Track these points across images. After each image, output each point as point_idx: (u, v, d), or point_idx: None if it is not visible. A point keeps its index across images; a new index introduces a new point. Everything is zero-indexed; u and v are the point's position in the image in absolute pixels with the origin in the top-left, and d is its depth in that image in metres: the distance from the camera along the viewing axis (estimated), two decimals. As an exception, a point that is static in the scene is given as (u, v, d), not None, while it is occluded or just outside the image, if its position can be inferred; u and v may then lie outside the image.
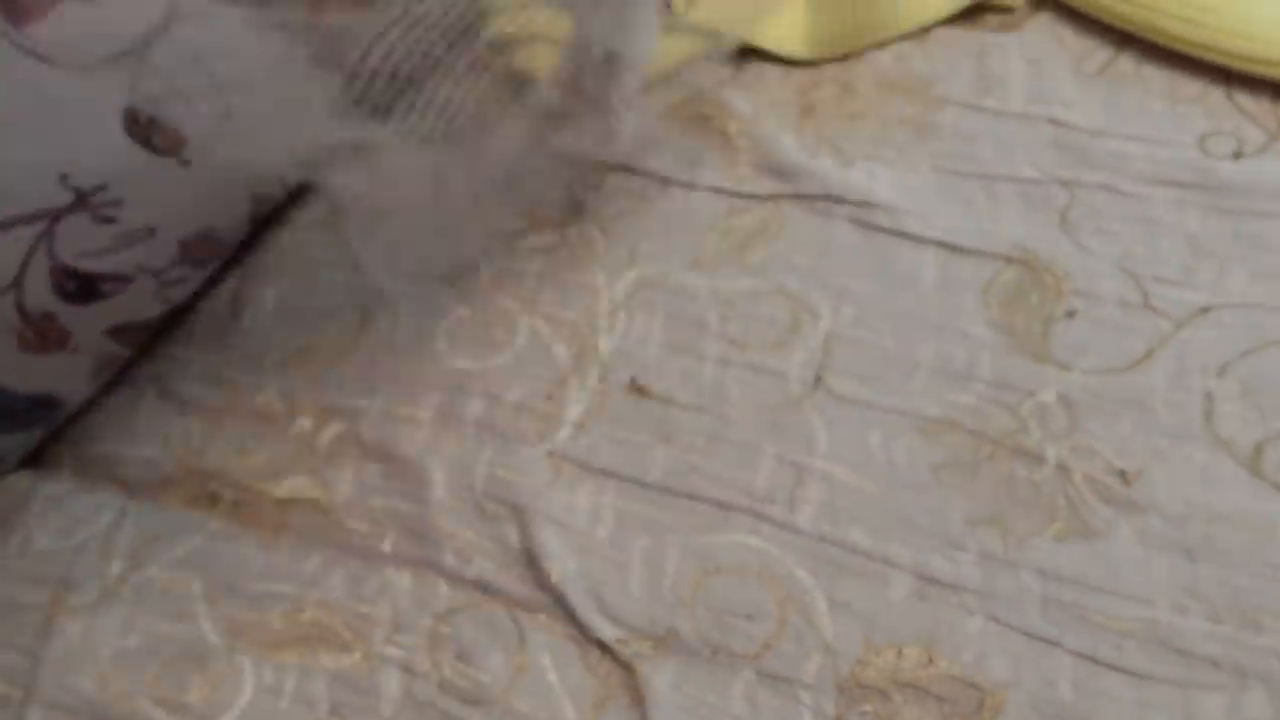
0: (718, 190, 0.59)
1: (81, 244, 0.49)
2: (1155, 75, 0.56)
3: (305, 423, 0.54)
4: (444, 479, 0.51)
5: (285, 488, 0.52)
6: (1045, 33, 0.58)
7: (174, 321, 0.59)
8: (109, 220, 0.49)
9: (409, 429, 0.53)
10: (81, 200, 0.47)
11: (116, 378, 0.58)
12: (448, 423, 0.53)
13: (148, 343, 0.59)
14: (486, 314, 0.56)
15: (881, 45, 0.60)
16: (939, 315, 0.52)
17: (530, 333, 0.55)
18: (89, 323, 0.52)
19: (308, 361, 0.56)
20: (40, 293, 0.49)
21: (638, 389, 0.52)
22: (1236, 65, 0.55)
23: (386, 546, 0.50)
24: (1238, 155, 0.54)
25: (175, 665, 0.48)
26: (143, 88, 0.47)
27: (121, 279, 0.52)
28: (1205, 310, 0.50)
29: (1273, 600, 0.42)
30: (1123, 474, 0.46)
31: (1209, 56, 0.55)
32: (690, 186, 0.59)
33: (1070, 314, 0.51)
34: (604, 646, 0.46)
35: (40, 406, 0.54)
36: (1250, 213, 0.52)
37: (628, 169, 0.60)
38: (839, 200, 0.57)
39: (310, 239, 0.61)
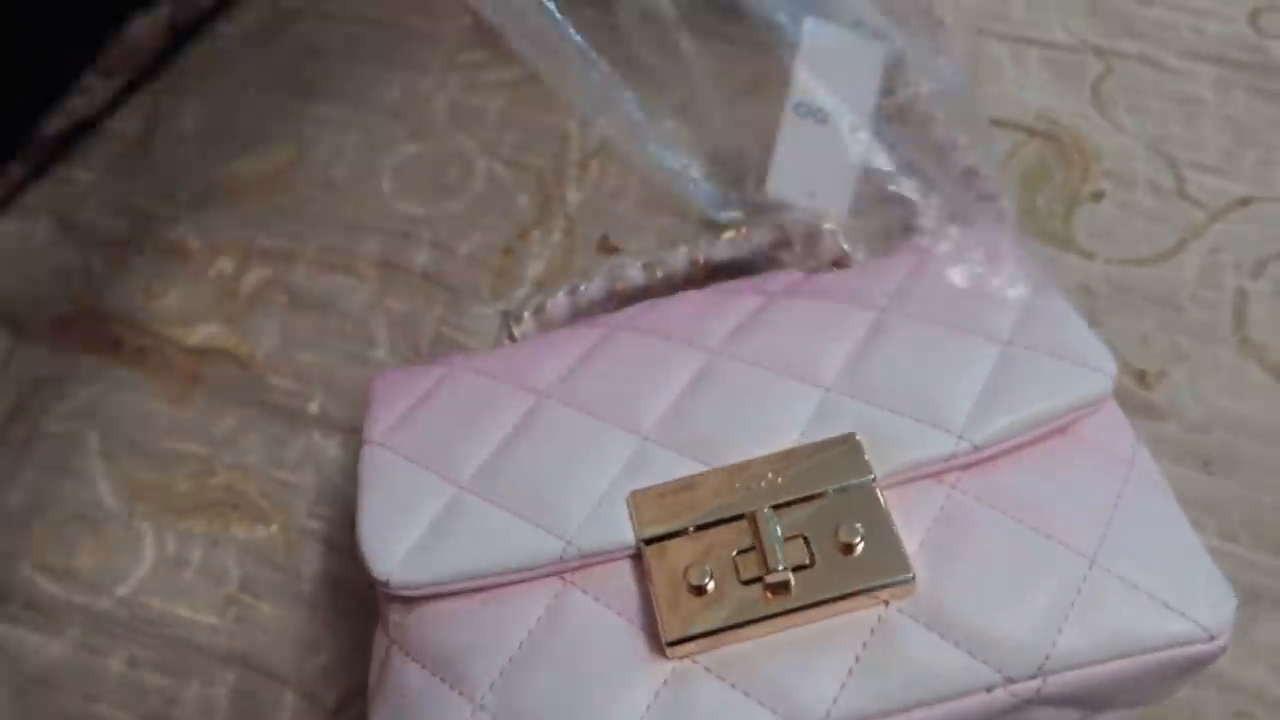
0: (713, 32, 0.51)
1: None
2: (1212, -64, 0.50)
3: (226, 265, 0.47)
4: (385, 336, 0.45)
5: (199, 336, 0.46)
6: (1094, -122, 0.52)
7: (77, 141, 0.51)
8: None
9: (346, 279, 0.46)
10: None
11: (6, 203, 0.50)
12: (391, 273, 0.46)
13: (44, 163, 0.51)
14: (440, 153, 0.49)
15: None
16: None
17: (489, 177, 0.48)
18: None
19: (231, 195, 0.49)
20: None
21: (609, 248, 0.46)
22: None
23: (313, 408, 0.44)
24: (1292, 34, 0.49)
25: (65, 527, 0.42)
26: None
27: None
28: (1245, 202, 0.45)
29: (1295, 520, 0.38)
30: (1142, 375, 0.42)
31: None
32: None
33: (1097, 196, 0.45)
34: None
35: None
36: (1300, 99, 0.47)
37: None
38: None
39: (239, 54, 0.53)
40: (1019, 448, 0.31)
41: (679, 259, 0.40)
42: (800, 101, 0.39)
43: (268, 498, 0.42)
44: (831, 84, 0.39)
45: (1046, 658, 0.27)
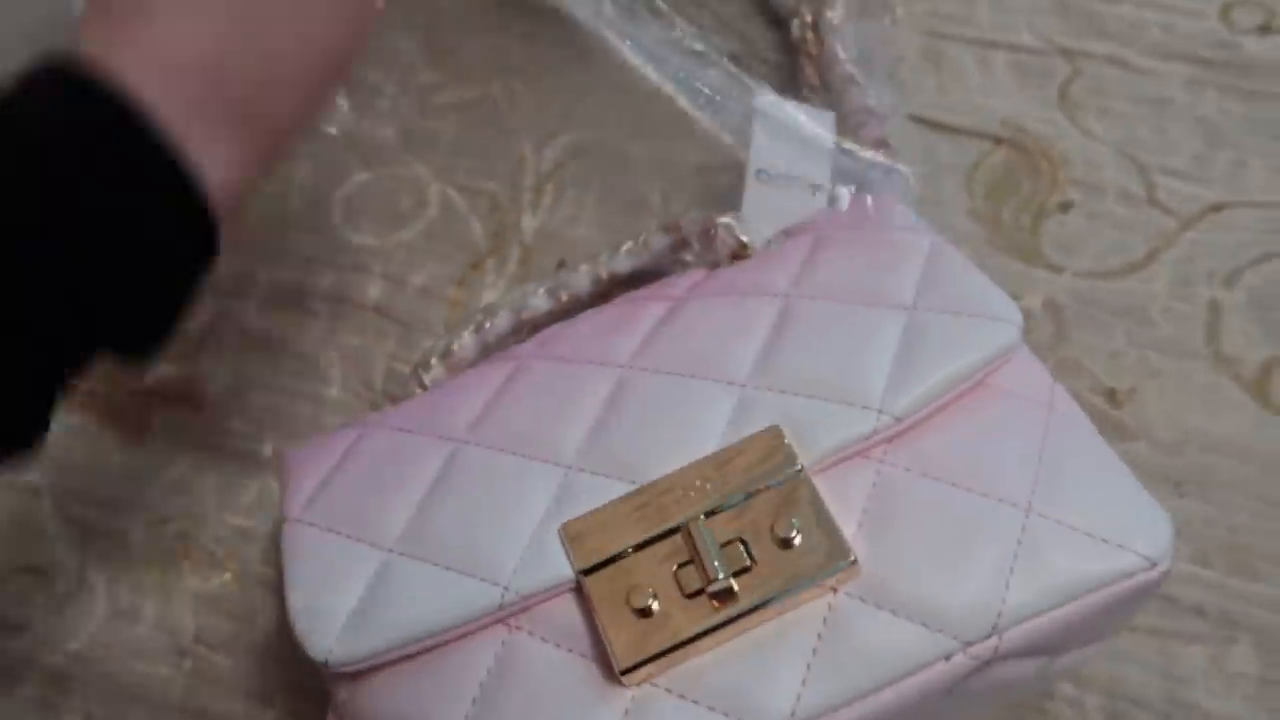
0: (665, 43, 0.50)
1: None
2: (1181, -71, 0.48)
3: (175, 303, 0.46)
4: (338, 374, 0.44)
5: (150, 378, 0.45)
6: (1058, -128, 0.50)
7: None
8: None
9: (298, 315, 0.45)
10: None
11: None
12: (343, 308, 0.45)
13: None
14: (392, 181, 0.48)
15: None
16: (913, 202, 0.45)
17: (442, 204, 0.47)
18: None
19: (180, 230, 0.48)
20: None
21: (564, 276, 0.45)
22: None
23: (266, 450, 0.43)
24: (1265, 29, 0.47)
25: (15, 582, 0.41)
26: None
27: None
28: (1217, 208, 0.43)
29: (1270, 543, 0.37)
30: (1112, 393, 0.40)
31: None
32: (635, 39, 0.51)
33: (1065, 207, 0.44)
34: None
35: None
36: (1274, 96, 0.46)
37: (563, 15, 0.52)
38: (807, 64, 0.49)
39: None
40: (939, 410, 0.30)
41: (581, 278, 0.39)
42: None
43: (221, 544, 0.41)
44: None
45: (999, 615, 0.28)
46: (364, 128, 0.49)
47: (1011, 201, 0.44)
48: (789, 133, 0.40)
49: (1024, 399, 0.32)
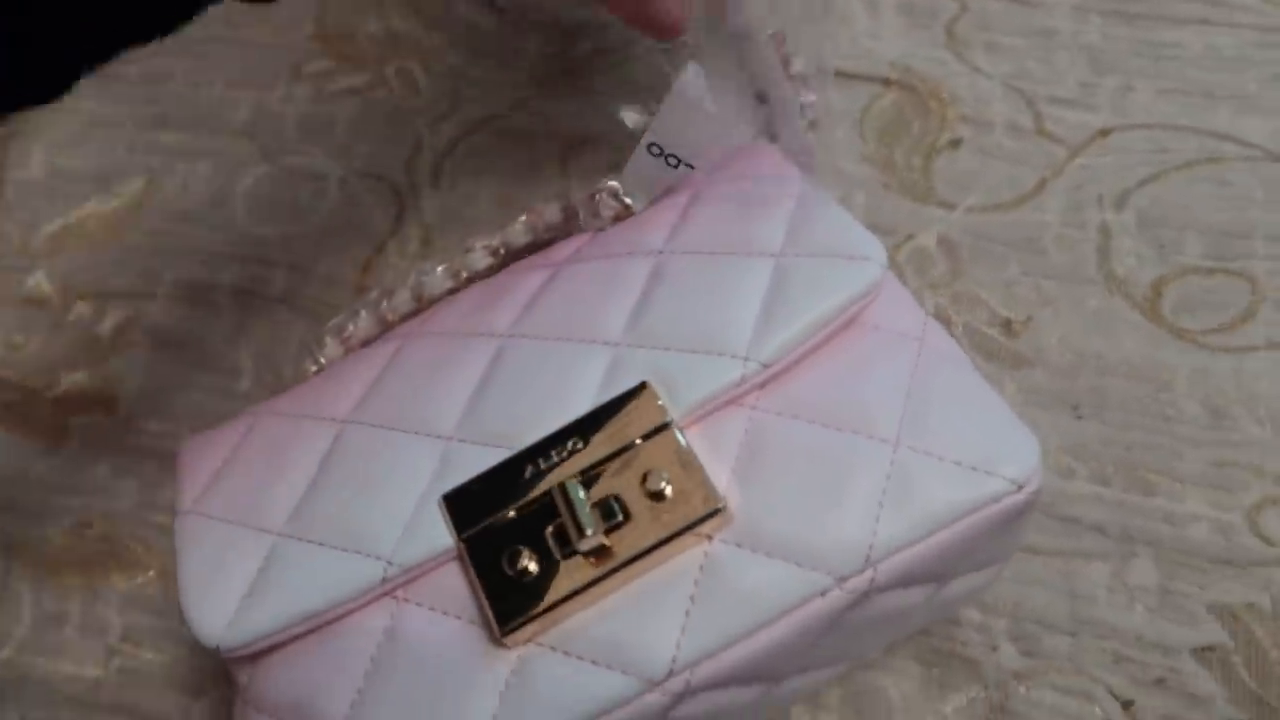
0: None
1: None
2: None
3: (83, 309, 0.46)
4: (250, 367, 0.44)
5: (64, 384, 0.45)
6: None
7: (-70, 196, 0.50)
8: None
9: (204, 311, 0.45)
10: None
11: None
12: (250, 301, 0.45)
13: (-102, 223, 0.50)
14: (292, 171, 0.48)
15: None
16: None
17: (342, 191, 0.47)
18: None
19: (83, 237, 0.48)
20: None
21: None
22: None
23: (183, 447, 0.43)
24: (1147, -48, 0.47)
25: (-58, 595, 0.42)
26: None
27: None
28: (1104, 133, 0.44)
29: (1164, 458, 0.38)
30: (1008, 324, 0.41)
31: None
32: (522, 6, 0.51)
33: (955, 144, 0.44)
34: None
35: None
36: (1159, 18, 0.46)
37: (454, -8, 0.52)
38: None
39: (84, 92, 0.52)
40: (810, 353, 0.31)
41: (478, 256, 0.39)
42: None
43: (143, 543, 0.42)
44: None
45: (870, 548, 0.28)
46: (260, 120, 0.49)
47: (903, 142, 0.45)
48: (698, 120, 0.40)
49: (895, 334, 0.32)
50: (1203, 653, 0.35)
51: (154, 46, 0.52)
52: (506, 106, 0.48)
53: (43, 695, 0.40)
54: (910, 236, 0.43)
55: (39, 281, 0.47)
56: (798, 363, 0.31)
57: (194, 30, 0.52)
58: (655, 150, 0.39)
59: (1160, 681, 0.35)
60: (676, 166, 0.39)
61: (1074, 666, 0.35)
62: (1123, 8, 0.46)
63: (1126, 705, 0.34)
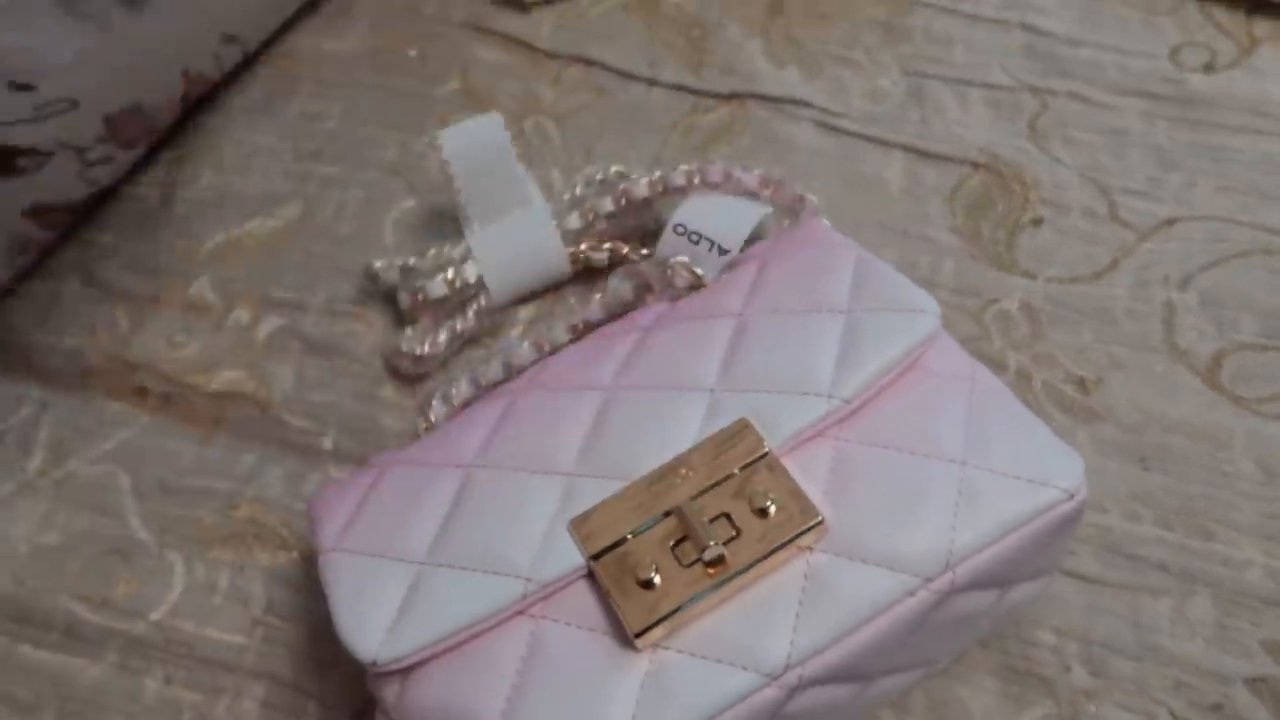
0: (680, 87, 0.56)
1: (-5, 111, 0.45)
2: (1131, -18, 0.55)
3: (242, 315, 0.51)
4: (391, 376, 0.49)
5: (219, 381, 0.50)
6: (1022, -66, 0.57)
7: (101, 207, 0.56)
8: (26, 88, 0.46)
9: (353, 324, 0.50)
10: (-7, 61, 0.44)
11: (37, 266, 0.54)
12: (393, 314, 0.50)
13: (71, 228, 0.55)
14: (435, 206, 0.53)
15: (854, -59, 0.58)
16: (903, 220, 0.51)
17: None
18: (5, 201, 0.49)
19: (244, 252, 0.53)
20: (-51, 163, 0.45)
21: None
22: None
23: (327, 444, 0.47)
24: (1209, 68, 0.54)
25: (100, 561, 0.46)
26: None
27: (40, 154, 0.48)
28: (1170, 222, 0.49)
29: (1222, 508, 0.42)
30: (1082, 382, 0.46)
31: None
32: (652, 83, 0.57)
33: (1037, 222, 0.50)
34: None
35: (-48, 290, 0.51)
36: (1218, 126, 0.52)
37: (585, 60, 0.58)
38: (804, 104, 0.55)
39: (246, 123, 0.58)
40: (881, 391, 0.36)
41: (558, 330, 0.45)
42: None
43: (288, 526, 0.46)
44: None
45: (950, 553, 0.33)
46: (406, 160, 0.55)
47: (989, 218, 0.50)
48: (718, 208, 0.46)
49: (950, 375, 0.37)
50: (1255, 683, 0.39)
51: (310, 89, 0.58)
52: (635, 164, 0.53)
53: (188, 657, 0.43)
54: (995, 300, 0.48)
55: (202, 288, 0.52)
56: (872, 400, 0.36)
57: (348, 77, 0.58)
58: (680, 230, 0.45)
59: (1216, 707, 0.38)
60: (698, 243, 0.44)
61: (1138, 689, 0.39)
62: (1185, 114, 0.52)
63: (1188, 724, 0.38)
